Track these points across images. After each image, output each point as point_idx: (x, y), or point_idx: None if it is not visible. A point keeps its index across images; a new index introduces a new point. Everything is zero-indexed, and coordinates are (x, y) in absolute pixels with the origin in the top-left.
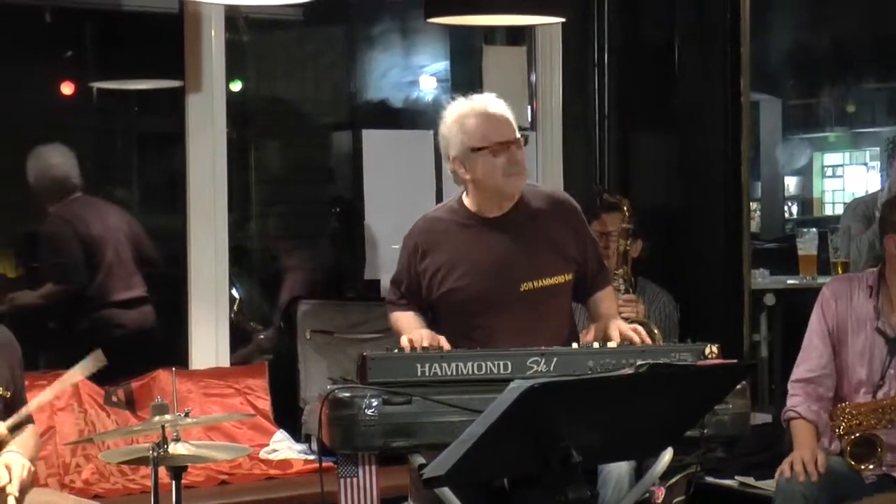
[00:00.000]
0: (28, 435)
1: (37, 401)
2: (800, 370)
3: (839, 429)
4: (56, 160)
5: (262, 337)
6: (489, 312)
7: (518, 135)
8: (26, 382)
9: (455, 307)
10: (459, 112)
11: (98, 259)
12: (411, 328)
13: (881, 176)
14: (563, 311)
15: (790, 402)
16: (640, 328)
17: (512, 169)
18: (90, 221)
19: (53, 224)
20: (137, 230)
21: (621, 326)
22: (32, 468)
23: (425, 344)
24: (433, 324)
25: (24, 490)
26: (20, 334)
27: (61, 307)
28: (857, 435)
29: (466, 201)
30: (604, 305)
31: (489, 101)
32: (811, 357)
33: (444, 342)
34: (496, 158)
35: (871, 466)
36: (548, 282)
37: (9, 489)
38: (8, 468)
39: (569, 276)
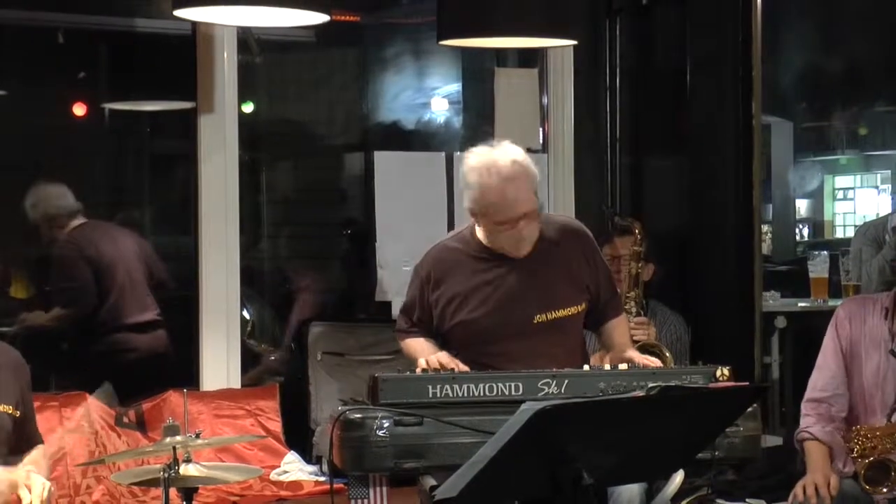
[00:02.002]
0: (39, 455)
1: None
2: (812, 390)
3: (854, 451)
4: (47, 193)
5: (273, 358)
6: (501, 342)
7: (525, 209)
8: (37, 403)
9: (467, 338)
10: (479, 169)
11: (109, 282)
12: (426, 353)
13: (892, 199)
14: (575, 341)
15: (803, 422)
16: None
17: (514, 243)
18: (100, 245)
19: (63, 248)
20: (149, 253)
21: (640, 357)
22: (53, 489)
23: (449, 366)
24: (444, 350)
25: None
26: (32, 355)
27: (73, 329)
28: (872, 459)
29: (479, 234)
30: (617, 333)
31: (504, 173)
32: (824, 376)
33: (461, 366)
34: (500, 233)
35: (884, 490)
36: (561, 313)
37: None
38: (29, 488)
39: (581, 307)
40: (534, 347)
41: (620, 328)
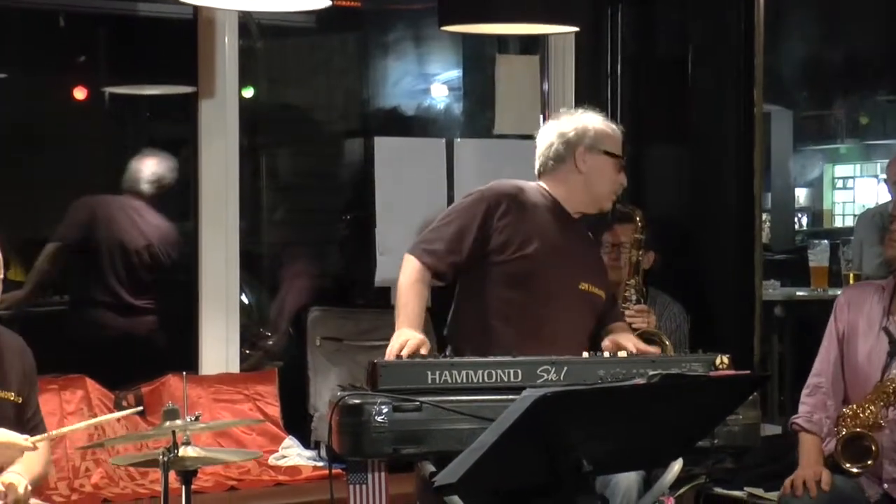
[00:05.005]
0: (37, 456)
1: (64, 430)
2: (811, 377)
3: (841, 434)
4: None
5: (271, 343)
6: (540, 293)
7: None
8: (38, 386)
9: (512, 278)
10: (600, 118)
11: (113, 261)
12: (412, 319)
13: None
14: (589, 327)
15: (800, 409)
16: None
17: (617, 189)
18: (117, 217)
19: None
20: (169, 238)
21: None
22: (30, 489)
23: (406, 353)
24: (466, 291)
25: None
26: (32, 338)
27: (72, 312)
28: (842, 435)
29: (550, 189)
30: (614, 324)
31: None
32: (822, 363)
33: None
34: (617, 173)
35: (869, 463)
36: (596, 290)
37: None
38: (6, 486)
39: (604, 297)
40: (563, 314)
41: (619, 322)
